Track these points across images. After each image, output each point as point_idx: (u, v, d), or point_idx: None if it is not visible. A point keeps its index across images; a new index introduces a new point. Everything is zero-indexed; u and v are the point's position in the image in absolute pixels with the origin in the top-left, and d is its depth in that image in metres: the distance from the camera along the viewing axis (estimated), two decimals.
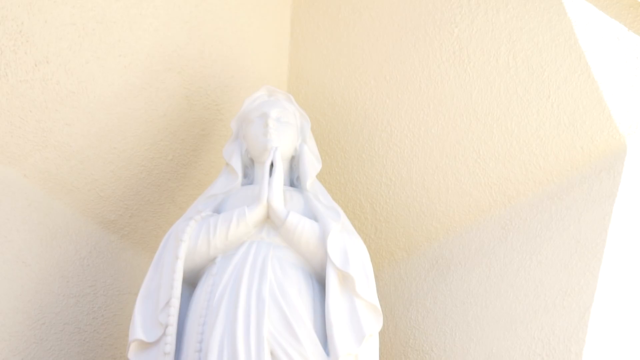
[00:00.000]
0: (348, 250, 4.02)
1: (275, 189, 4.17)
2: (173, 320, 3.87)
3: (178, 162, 5.22)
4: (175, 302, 3.91)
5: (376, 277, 4.29)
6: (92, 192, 4.95)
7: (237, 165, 4.50)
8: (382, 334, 4.33)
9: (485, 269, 4.75)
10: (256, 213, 4.10)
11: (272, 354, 3.71)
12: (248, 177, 4.58)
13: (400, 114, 5.13)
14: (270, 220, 4.15)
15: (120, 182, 5.04)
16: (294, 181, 4.59)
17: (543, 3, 4.56)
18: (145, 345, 3.92)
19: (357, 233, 4.31)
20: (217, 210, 4.32)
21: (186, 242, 4.07)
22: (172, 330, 3.87)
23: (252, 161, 4.57)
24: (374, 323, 3.94)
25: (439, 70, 4.97)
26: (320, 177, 4.85)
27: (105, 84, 4.76)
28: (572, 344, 4.17)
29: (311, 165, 4.54)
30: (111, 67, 4.75)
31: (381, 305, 4.09)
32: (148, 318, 3.96)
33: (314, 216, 4.21)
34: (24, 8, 4.35)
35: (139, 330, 3.94)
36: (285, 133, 4.50)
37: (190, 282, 4.14)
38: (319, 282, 4.07)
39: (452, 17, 4.88)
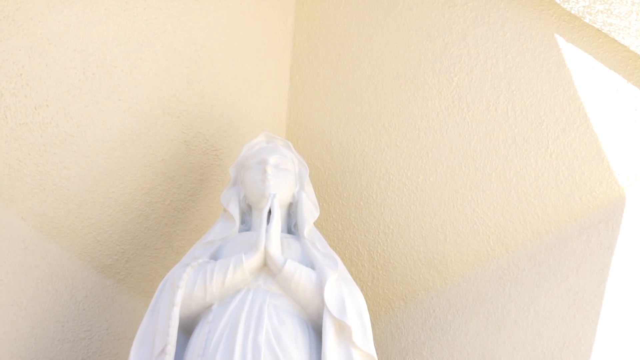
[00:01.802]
0: (345, 299, 4.00)
1: (272, 236, 4.15)
2: None
3: (176, 207, 5.22)
4: (171, 349, 3.88)
5: (373, 325, 4.27)
6: (89, 236, 4.94)
7: (234, 211, 4.48)
8: None
9: (483, 319, 4.73)
10: (253, 260, 4.08)
11: None
12: (246, 223, 4.56)
13: (399, 161, 5.13)
14: (267, 267, 4.12)
15: (118, 227, 5.03)
16: (291, 228, 4.57)
17: (542, 54, 4.58)
18: None
19: (354, 281, 4.29)
20: (215, 257, 4.30)
21: (183, 288, 4.04)
22: None
23: (249, 207, 4.56)
24: None
25: (437, 119, 4.98)
26: (317, 224, 4.84)
27: (104, 128, 4.76)
28: None
29: (309, 212, 4.53)
30: (110, 111, 4.76)
31: (378, 355, 4.07)
32: None
33: (311, 264, 4.20)
34: (25, 51, 4.36)
35: None
36: (284, 180, 4.49)
37: (186, 329, 4.10)
38: (316, 331, 4.04)
39: (452, 66, 4.89)
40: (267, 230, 4.17)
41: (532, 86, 4.64)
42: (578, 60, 4.48)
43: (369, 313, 4.16)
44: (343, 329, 3.93)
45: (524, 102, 4.67)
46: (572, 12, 4.34)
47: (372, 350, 3.97)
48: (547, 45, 4.58)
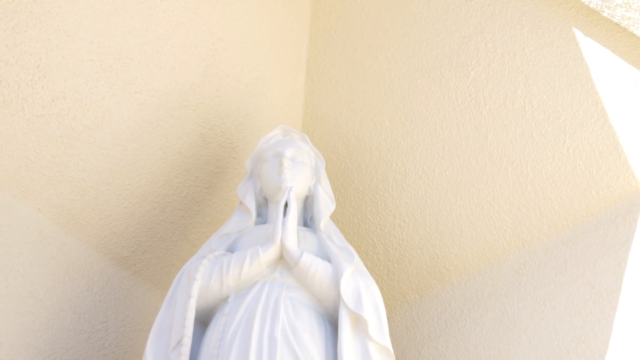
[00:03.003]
0: (361, 292, 4.00)
1: (289, 229, 4.15)
2: (185, 359, 3.85)
3: (192, 200, 5.22)
4: (187, 341, 3.88)
5: (388, 318, 4.28)
6: (105, 228, 4.95)
7: (251, 204, 4.49)
8: None
9: (499, 313, 4.72)
10: (269, 253, 4.08)
11: None
12: (262, 216, 4.57)
13: (415, 155, 5.13)
14: (283, 260, 4.13)
15: (134, 219, 5.04)
16: (307, 221, 4.58)
17: (560, 48, 4.56)
18: None
19: (370, 274, 4.29)
20: (231, 249, 4.31)
21: (199, 280, 4.05)
22: None
23: (266, 200, 4.57)
24: None
25: (454, 113, 4.97)
26: (333, 217, 4.85)
27: (121, 120, 4.77)
28: None
29: (325, 205, 4.53)
30: (127, 103, 4.76)
31: (393, 348, 4.07)
32: (160, 356, 3.94)
33: (327, 257, 4.20)
34: (42, 44, 4.36)
35: None
36: (300, 173, 4.49)
37: (202, 321, 4.11)
38: (332, 324, 4.05)
39: (469, 60, 4.89)
40: (283, 223, 4.17)
41: (549, 80, 4.63)
42: (596, 54, 4.47)
43: (385, 306, 4.16)
44: (359, 322, 3.93)
45: (541, 96, 4.65)
46: (591, 5, 4.32)
47: (388, 344, 3.97)
48: (565, 39, 4.56)
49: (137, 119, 4.83)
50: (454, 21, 4.94)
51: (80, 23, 4.47)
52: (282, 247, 4.11)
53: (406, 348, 5.11)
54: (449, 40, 4.97)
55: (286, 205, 4.29)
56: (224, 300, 4.07)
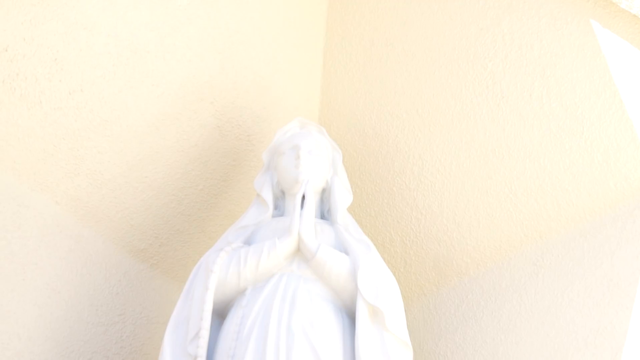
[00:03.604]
0: (379, 285, 4.00)
1: (306, 221, 4.15)
2: (202, 351, 3.85)
3: (209, 192, 5.23)
4: (205, 334, 3.89)
5: (405, 311, 4.28)
6: (122, 221, 4.96)
7: (268, 196, 4.49)
8: None
9: (516, 305, 4.71)
10: (287, 245, 4.09)
11: None
12: (279, 208, 4.57)
13: (432, 147, 5.12)
14: (300, 252, 4.13)
15: (151, 211, 5.05)
16: (324, 213, 4.58)
17: (578, 40, 4.55)
18: None
19: (387, 267, 4.29)
20: (248, 242, 4.31)
21: (216, 273, 4.05)
22: None
23: (283, 193, 4.56)
24: (403, 358, 3.91)
25: (471, 105, 4.96)
26: (350, 209, 4.84)
27: (138, 113, 4.78)
28: None
29: (342, 197, 4.52)
30: (144, 96, 4.77)
31: (410, 340, 4.07)
32: (177, 349, 3.95)
33: (344, 249, 4.19)
34: (59, 37, 4.37)
35: None
36: (317, 165, 4.49)
37: (220, 314, 4.12)
38: (349, 316, 4.05)
39: (486, 52, 4.87)
40: (300, 216, 4.17)
41: (567, 72, 4.61)
42: (614, 46, 4.45)
43: (402, 299, 4.16)
44: (376, 315, 3.93)
45: (559, 89, 4.64)
46: None
47: (406, 336, 3.97)
48: (583, 31, 4.54)
49: (154, 112, 4.84)
50: (471, 13, 4.93)
51: (97, 16, 4.47)
52: (300, 240, 4.11)
53: (423, 340, 5.11)
54: (466, 32, 4.95)
55: (303, 197, 4.30)
56: (242, 292, 4.07)
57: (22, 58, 4.30)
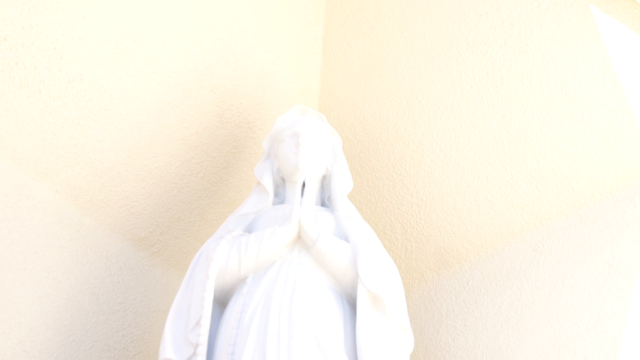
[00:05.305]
0: (379, 272, 4.00)
1: (306, 209, 4.15)
2: (203, 339, 3.85)
3: (209, 180, 5.23)
4: (206, 322, 3.89)
5: (406, 297, 4.28)
6: (123, 209, 4.96)
7: (268, 184, 4.49)
8: (412, 355, 4.31)
9: (517, 291, 4.72)
10: (287, 233, 4.08)
11: None
12: (279, 196, 4.57)
13: (432, 134, 5.12)
14: (301, 240, 4.13)
15: (151, 199, 5.05)
16: (324, 201, 4.57)
17: (577, 25, 4.54)
18: None
19: (387, 253, 4.29)
20: (248, 229, 4.31)
21: (217, 261, 4.05)
22: (203, 350, 3.85)
23: (283, 180, 4.56)
24: (404, 345, 3.92)
25: (471, 91, 4.95)
26: (350, 196, 4.84)
27: (138, 101, 4.77)
28: None
29: (342, 185, 4.52)
30: (144, 84, 4.76)
31: (411, 326, 4.08)
32: (178, 337, 3.95)
33: (344, 236, 4.19)
34: (58, 25, 4.36)
35: (169, 349, 3.92)
36: (317, 153, 4.49)
37: (221, 302, 4.13)
38: (350, 303, 4.05)
39: (486, 38, 4.87)
40: (301, 203, 4.17)
41: (566, 57, 4.61)
42: (613, 31, 4.44)
43: (403, 285, 4.16)
44: (377, 301, 3.93)
45: (559, 74, 4.64)
46: None
47: (407, 323, 3.97)
48: (582, 17, 4.54)
49: (154, 100, 4.84)
50: None
51: (96, 4, 4.47)
52: (300, 227, 4.10)
53: (424, 327, 5.12)
54: (465, 18, 4.95)
55: (304, 185, 4.30)
56: (242, 280, 4.07)
57: (22, 47, 4.30)
